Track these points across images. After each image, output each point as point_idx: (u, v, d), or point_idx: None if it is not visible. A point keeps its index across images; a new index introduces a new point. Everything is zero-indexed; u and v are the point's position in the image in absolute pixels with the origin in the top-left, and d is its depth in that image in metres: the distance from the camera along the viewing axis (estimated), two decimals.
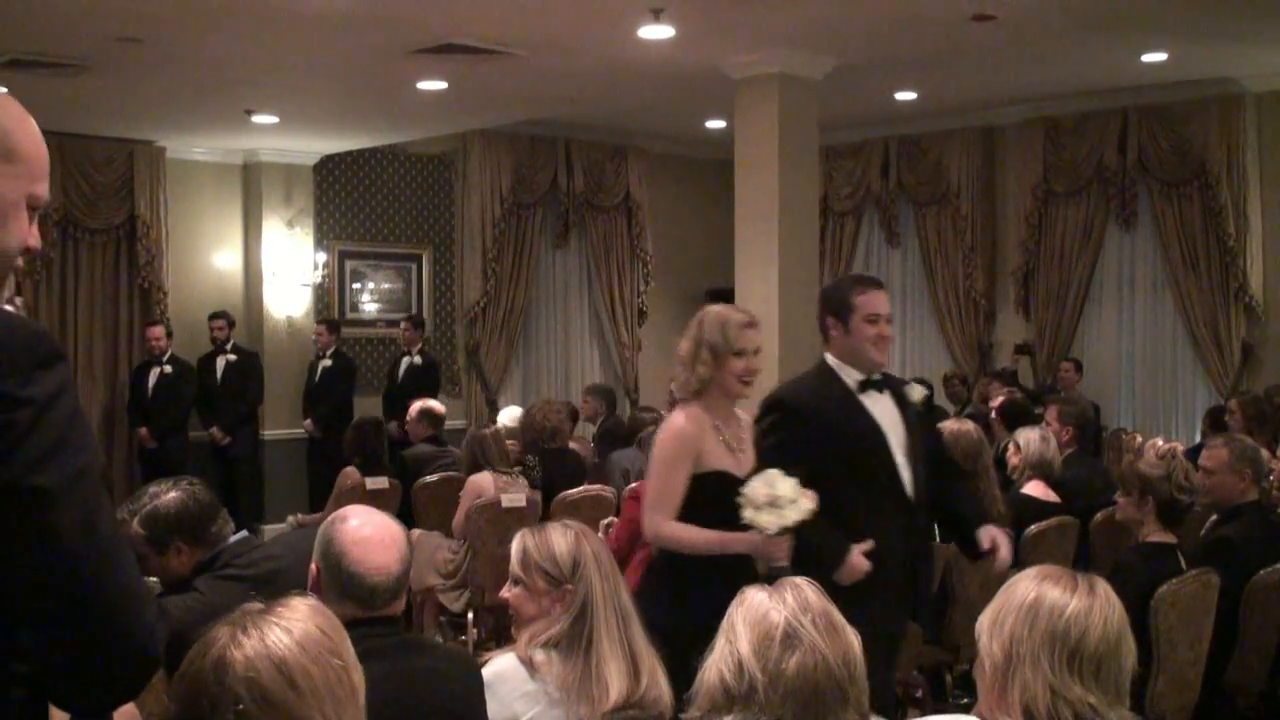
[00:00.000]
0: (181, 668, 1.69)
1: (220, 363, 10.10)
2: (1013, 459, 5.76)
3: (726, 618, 2.14)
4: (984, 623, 2.16)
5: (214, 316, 10.15)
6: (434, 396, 10.15)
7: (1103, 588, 2.15)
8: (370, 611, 2.53)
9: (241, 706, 1.61)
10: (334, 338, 10.41)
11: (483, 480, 6.45)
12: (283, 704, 1.63)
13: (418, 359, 10.43)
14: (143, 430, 9.88)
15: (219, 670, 1.63)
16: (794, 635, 2.04)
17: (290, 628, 1.70)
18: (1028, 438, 5.71)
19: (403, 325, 10.67)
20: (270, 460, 10.66)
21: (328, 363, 10.37)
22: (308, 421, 10.34)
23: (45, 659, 1.43)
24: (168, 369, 9.82)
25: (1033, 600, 2.10)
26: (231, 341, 10.12)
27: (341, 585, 2.53)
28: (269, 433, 10.61)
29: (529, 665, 2.72)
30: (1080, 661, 2.05)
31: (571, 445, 7.65)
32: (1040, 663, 2.04)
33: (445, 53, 7.41)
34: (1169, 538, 4.40)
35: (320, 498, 9.95)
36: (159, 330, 9.85)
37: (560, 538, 2.85)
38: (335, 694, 1.68)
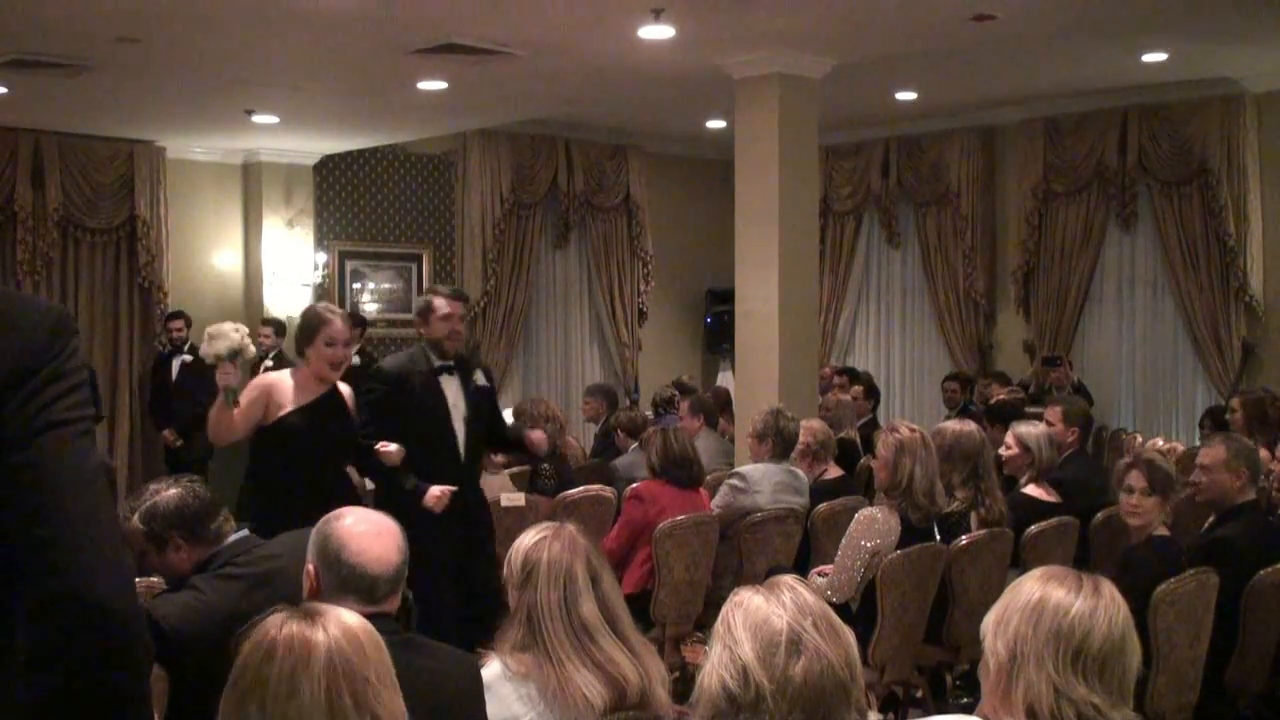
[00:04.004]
0: (240, 664, 1.80)
1: (175, 364, 9.85)
2: (1007, 454, 5.74)
3: (721, 620, 2.11)
4: (989, 622, 2.16)
5: (172, 317, 9.96)
6: None
7: (1108, 588, 2.14)
8: (371, 605, 2.53)
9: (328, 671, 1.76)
10: (279, 340, 9.94)
11: None
12: (361, 671, 1.78)
13: (355, 359, 10.24)
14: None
15: (304, 645, 1.78)
16: (798, 640, 2.03)
17: (338, 615, 1.85)
18: (1037, 440, 5.68)
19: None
20: None
21: (269, 364, 9.83)
22: None
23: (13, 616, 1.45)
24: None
25: (1037, 600, 2.10)
26: (189, 343, 9.75)
27: (342, 579, 2.54)
28: None
29: (508, 669, 2.70)
30: (1084, 662, 2.05)
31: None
32: (1044, 662, 2.04)
33: (445, 53, 7.41)
34: (1167, 531, 4.45)
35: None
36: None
37: (528, 540, 2.81)
38: (389, 670, 1.83)
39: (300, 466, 4.90)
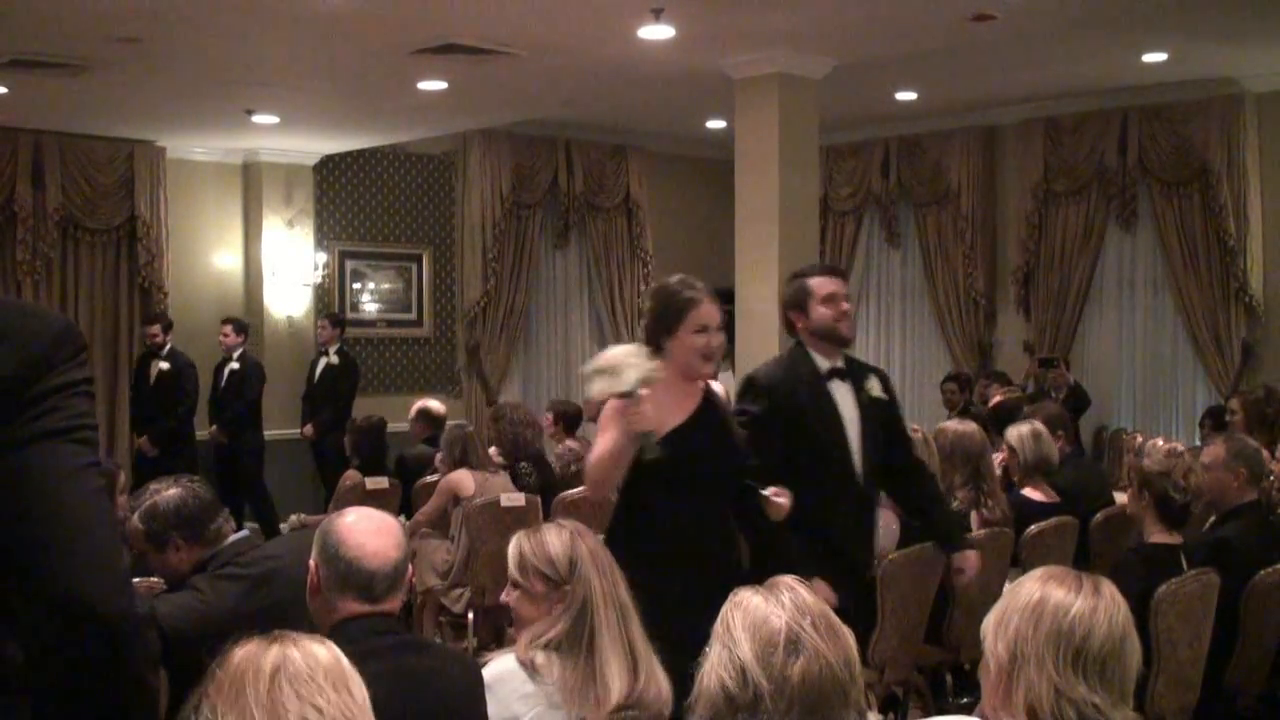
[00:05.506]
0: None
1: (154, 370, 9.68)
2: (1003, 458, 5.74)
3: (720, 621, 2.12)
4: (989, 623, 2.16)
5: (150, 321, 9.75)
6: (352, 396, 10.10)
7: (1108, 588, 2.15)
8: (371, 603, 2.54)
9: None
10: (240, 339, 9.86)
11: (462, 478, 6.44)
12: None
13: (335, 359, 10.16)
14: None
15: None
16: (797, 641, 2.04)
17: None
18: (1019, 439, 5.68)
19: (319, 324, 10.42)
20: (269, 461, 10.62)
21: (235, 366, 9.85)
22: (214, 427, 9.90)
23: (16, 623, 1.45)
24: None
25: (1038, 600, 2.10)
26: (169, 348, 9.65)
27: (341, 575, 2.54)
28: (268, 433, 10.57)
29: (529, 667, 2.72)
30: (1085, 662, 2.05)
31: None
32: (1045, 663, 2.04)
33: (445, 53, 7.41)
34: (1173, 539, 4.37)
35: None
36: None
37: (555, 538, 2.84)
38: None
39: (679, 503, 3.71)
